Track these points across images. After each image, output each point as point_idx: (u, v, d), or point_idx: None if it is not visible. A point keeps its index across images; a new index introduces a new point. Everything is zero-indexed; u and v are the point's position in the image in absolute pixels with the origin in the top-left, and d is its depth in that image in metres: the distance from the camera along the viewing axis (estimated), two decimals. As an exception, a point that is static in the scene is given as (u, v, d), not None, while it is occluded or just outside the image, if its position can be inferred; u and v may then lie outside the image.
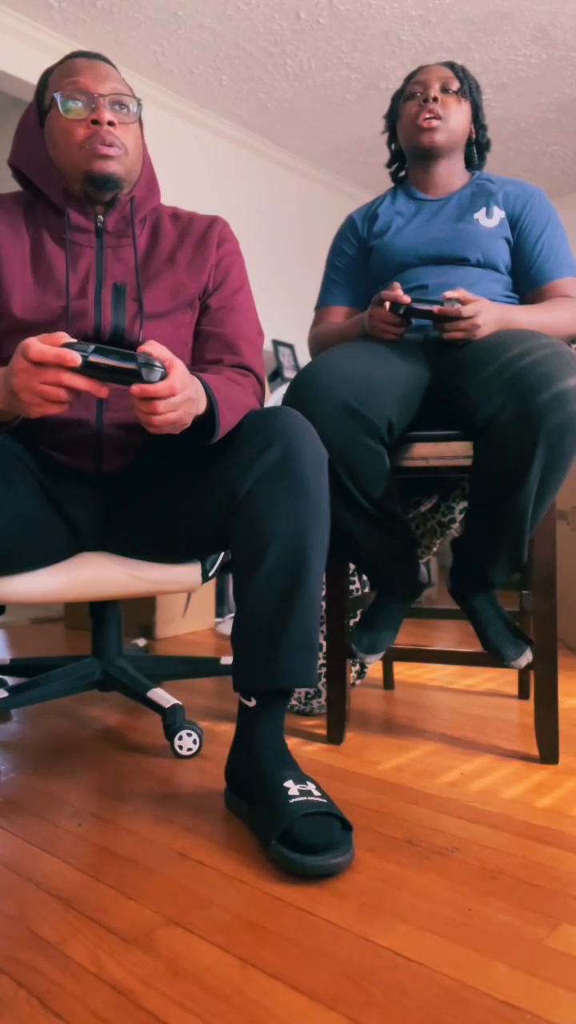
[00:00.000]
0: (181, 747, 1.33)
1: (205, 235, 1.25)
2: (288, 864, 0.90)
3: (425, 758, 1.33)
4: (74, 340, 0.90)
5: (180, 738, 1.33)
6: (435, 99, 1.49)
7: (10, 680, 1.76)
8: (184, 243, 1.24)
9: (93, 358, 0.88)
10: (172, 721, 1.33)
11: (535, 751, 1.36)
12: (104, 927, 0.80)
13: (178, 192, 3.69)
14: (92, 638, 1.55)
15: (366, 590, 1.74)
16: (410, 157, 1.57)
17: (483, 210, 1.50)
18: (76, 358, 0.87)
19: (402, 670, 2.04)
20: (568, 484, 2.34)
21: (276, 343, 3.95)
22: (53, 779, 1.24)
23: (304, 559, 1.02)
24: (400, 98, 1.58)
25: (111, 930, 0.79)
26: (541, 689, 1.28)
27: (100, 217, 1.18)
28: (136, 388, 0.89)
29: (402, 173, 1.65)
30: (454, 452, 1.31)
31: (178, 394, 0.92)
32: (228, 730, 1.50)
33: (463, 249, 1.46)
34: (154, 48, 3.25)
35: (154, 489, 1.17)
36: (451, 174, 1.55)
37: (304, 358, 4.31)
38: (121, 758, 1.34)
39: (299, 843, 0.90)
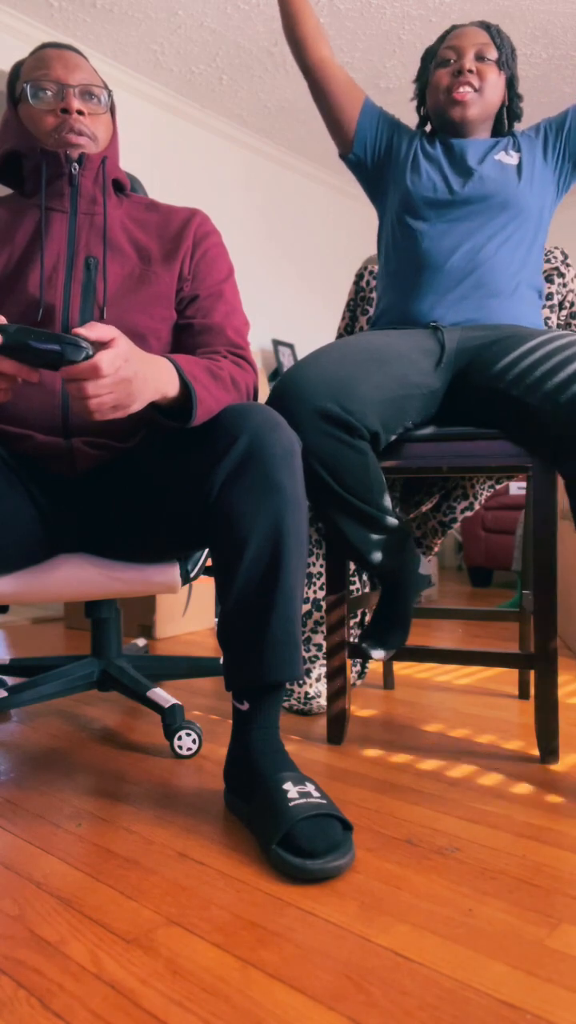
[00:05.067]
0: (181, 747, 1.33)
1: (183, 229, 1.25)
2: (289, 869, 0.90)
3: (425, 758, 1.33)
4: (3, 322, 0.87)
5: (180, 738, 1.33)
6: (471, 70, 1.42)
7: (10, 680, 1.76)
8: (161, 235, 1.25)
9: (13, 341, 0.85)
10: (172, 721, 1.33)
11: (535, 751, 1.36)
12: (104, 927, 0.80)
13: (178, 192, 3.69)
14: (92, 638, 1.55)
15: (366, 590, 1.74)
16: (438, 126, 1.51)
17: (503, 152, 1.45)
18: None
19: (402, 670, 2.04)
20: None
21: (276, 343, 3.95)
22: (53, 779, 1.24)
23: (280, 553, 1.02)
24: (431, 60, 1.51)
25: (111, 930, 0.79)
26: (541, 689, 1.28)
27: (75, 165, 1.18)
28: (63, 372, 0.87)
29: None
30: (455, 452, 1.31)
31: (106, 375, 0.88)
32: (228, 730, 1.49)
33: (480, 193, 1.41)
34: (154, 48, 3.25)
35: (128, 489, 1.16)
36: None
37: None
38: (121, 758, 1.34)
39: (300, 847, 0.90)
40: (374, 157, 1.56)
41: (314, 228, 4.40)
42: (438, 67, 1.47)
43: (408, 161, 1.50)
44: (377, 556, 1.31)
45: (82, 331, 0.87)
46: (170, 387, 1.01)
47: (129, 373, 0.91)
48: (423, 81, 1.54)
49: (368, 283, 1.76)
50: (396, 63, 3.36)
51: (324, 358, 1.24)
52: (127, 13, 3.02)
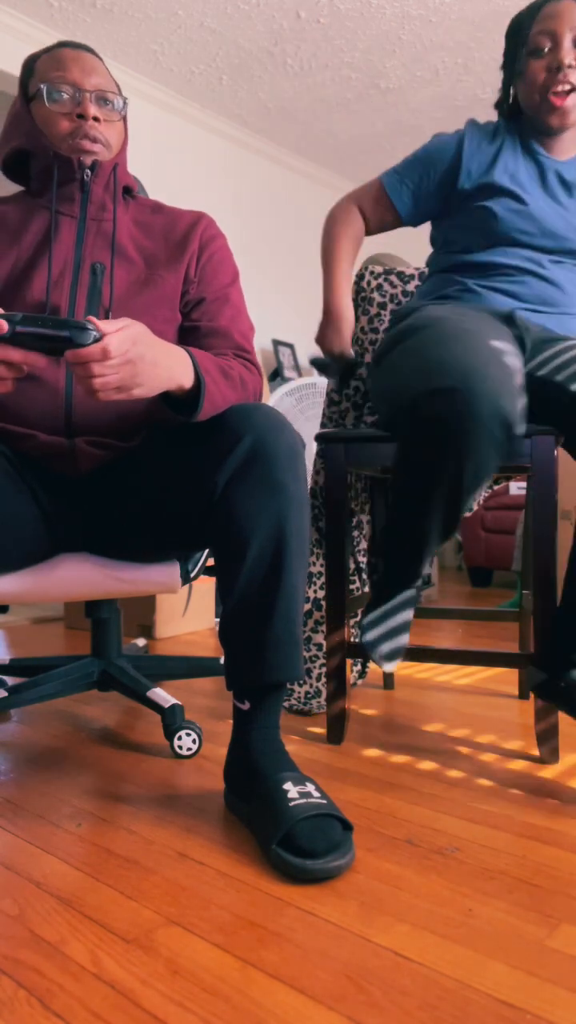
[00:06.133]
0: (181, 747, 1.33)
1: (189, 232, 1.25)
2: (289, 868, 0.90)
3: (425, 758, 1.33)
4: (2, 312, 0.87)
5: (180, 738, 1.33)
6: (571, 65, 1.31)
7: (10, 680, 1.76)
8: (167, 238, 1.24)
9: (20, 328, 0.85)
10: (172, 721, 1.33)
11: (535, 751, 1.36)
12: (104, 927, 0.80)
13: (178, 192, 3.69)
14: (92, 638, 1.55)
15: (366, 589, 1.74)
16: (530, 124, 1.42)
17: None
18: (2, 325, 0.85)
19: (402, 670, 2.05)
20: (571, 483, 2.34)
21: (276, 343, 3.95)
22: (53, 779, 1.24)
23: (283, 553, 1.02)
24: (520, 42, 1.38)
25: (111, 930, 0.79)
26: (541, 689, 1.28)
27: (87, 172, 1.18)
28: (69, 354, 0.87)
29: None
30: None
31: (114, 356, 0.88)
32: (228, 730, 1.49)
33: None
34: (154, 48, 3.25)
35: (131, 488, 1.16)
36: (574, 139, 1.43)
37: (304, 358, 4.31)
38: (121, 758, 1.34)
39: (300, 847, 0.90)
40: (427, 212, 1.52)
41: (314, 228, 4.40)
42: (531, 56, 1.36)
43: (492, 181, 1.39)
44: (416, 556, 1.22)
45: (98, 323, 0.88)
46: (186, 378, 1.01)
47: (135, 355, 0.91)
48: (512, 69, 1.42)
49: (368, 283, 1.76)
50: (396, 63, 3.36)
51: (485, 338, 1.06)
52: (127, 13, 3.02)
